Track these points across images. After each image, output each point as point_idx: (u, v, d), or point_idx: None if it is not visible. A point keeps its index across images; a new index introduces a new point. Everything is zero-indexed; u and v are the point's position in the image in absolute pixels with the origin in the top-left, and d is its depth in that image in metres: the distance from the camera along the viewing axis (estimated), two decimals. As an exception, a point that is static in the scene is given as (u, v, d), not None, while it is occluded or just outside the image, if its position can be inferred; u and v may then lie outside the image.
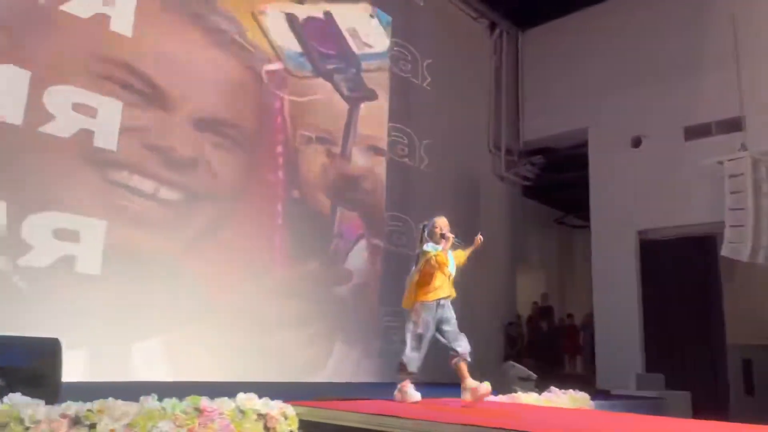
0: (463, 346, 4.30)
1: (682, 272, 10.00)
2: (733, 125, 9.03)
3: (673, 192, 9.72)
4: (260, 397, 3.77)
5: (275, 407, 3.74)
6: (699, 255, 9.86)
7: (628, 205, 10.18)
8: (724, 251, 8.24)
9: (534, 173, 12.44)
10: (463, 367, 4.28)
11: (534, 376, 6.51)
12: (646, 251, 10.26)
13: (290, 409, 3.82)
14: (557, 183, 12.36)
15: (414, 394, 4.31)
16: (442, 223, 4.44)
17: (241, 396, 3.61)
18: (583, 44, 11.33)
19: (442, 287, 4.37)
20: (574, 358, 12.38)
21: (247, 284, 7.00)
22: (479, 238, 4.60)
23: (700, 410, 8.30)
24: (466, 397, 4.26)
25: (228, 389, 3.83)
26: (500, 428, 3.08)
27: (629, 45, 10.66)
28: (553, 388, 6.05)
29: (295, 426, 3.79)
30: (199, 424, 3.20)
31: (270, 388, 4.30)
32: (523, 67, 12.37)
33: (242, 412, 3.44)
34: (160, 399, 3.30)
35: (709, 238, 9.66)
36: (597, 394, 7.21)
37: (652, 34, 10.41)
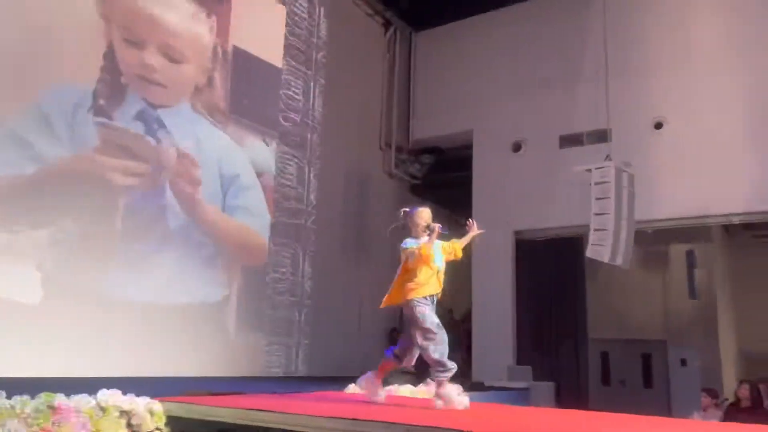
0: (412, 359, 4.16)
1: (552, 271, 10.71)
2: (601, 136, 9.74)
3: (547, 195, 10.34)
4: (126, 393, 3.61)
5: (141, 404, 3.59)
6: (567, 255, 10.60)
7: (507, 206, 10.69)
8: (588, 253, 8.84)
9: (422, 172, 12.76)
10: (388, 372, 4.27)
11: (413, 369, 6.72)
12: (521, 251, 10.86)
13: (157, 406, 3.69)
14: (444, 182, 12.74)
15: (463, 399, 4.05)
16: (425, 215, 4.07)
17: (102, 392, 3.43)
18: (472, 49, 11.73)
19: (429, 283, 4.03)
20: (453, 351, 12.82)
21: (125, 274, 6.64)
22: (471, 223, 4.29)
23: (563, 399, 8.96)
24: (365, 391, 4.24)
25: (93, 385, 3.63)
26: (369, 420, 3.17)
27: (514, 53, 11.18)
28: (428, 380, 6.26)
29: (162, 423, 3.66)
30: (53, 423, 3.00)
31: (140, 384, 4.12)
32: (415, 67, 12.65)
33: (103, 409, 3.27)
34: (9, 396, 3.06)
35: (576, 240, 10.38)
36: (471, 385, 7.55)
37: (536, 45, 10.98)
